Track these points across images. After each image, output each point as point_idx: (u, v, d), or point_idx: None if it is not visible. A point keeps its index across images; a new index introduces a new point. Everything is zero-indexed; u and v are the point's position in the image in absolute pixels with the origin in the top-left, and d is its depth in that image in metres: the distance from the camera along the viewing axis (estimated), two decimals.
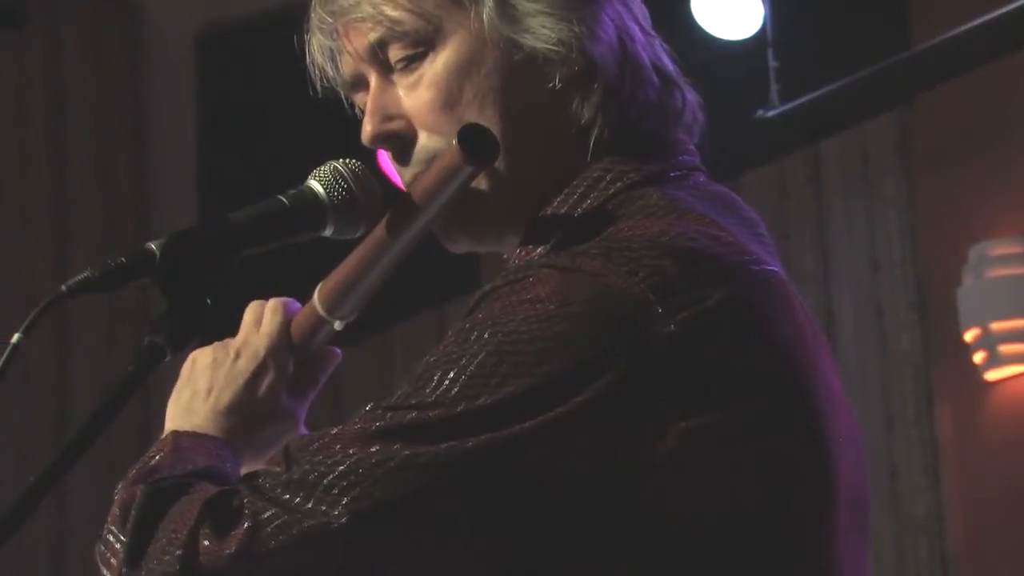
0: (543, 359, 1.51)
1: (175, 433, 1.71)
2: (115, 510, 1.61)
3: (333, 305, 1.74)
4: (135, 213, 6.42)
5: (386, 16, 1.70)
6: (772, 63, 5.17)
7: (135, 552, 1.56)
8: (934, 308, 5.35)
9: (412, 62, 1.71)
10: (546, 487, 1.50)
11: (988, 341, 5.15)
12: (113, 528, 1.60)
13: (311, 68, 1.77)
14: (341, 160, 1.73)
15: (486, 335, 1.53)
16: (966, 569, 5.22)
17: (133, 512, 1.58)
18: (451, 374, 1.52)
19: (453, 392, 1.51)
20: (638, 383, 1.50)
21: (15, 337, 1.58)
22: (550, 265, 1.56)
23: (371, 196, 1.72)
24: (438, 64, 1.70)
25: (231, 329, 1.79)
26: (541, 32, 1.69)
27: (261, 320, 1.77)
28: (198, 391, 1.74)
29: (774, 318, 1.58)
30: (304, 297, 1.78)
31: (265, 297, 1.80)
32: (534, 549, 1.51)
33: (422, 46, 1.70)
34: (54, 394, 6.13)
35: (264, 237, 1.69)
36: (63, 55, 6.35)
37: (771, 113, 5.19)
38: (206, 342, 1.77)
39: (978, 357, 5.17)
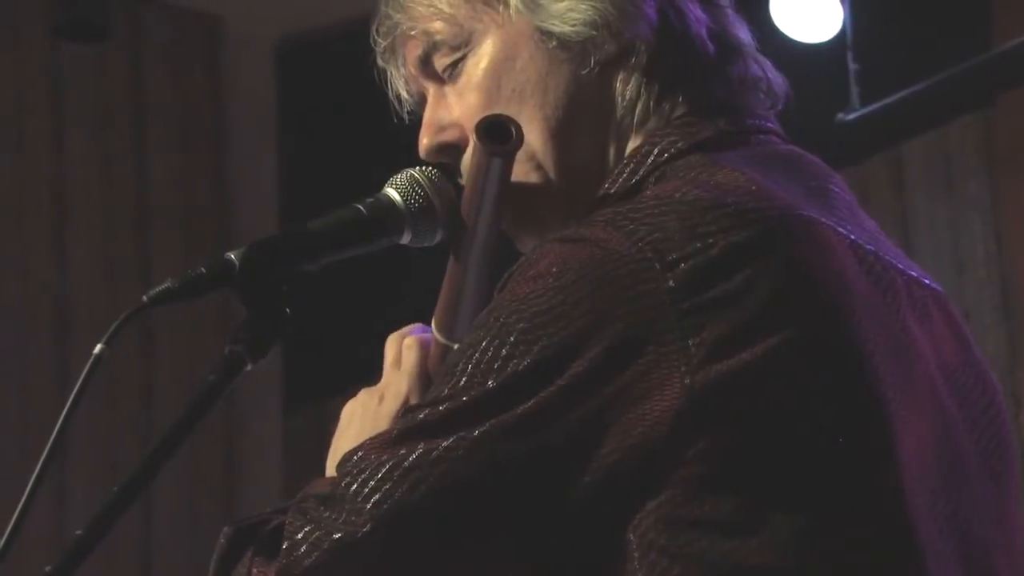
0: (540, 334, 1.49)
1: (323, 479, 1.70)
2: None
3: (450, 330, 1.75)
4: (216, 222, 6.46)
5: (423, 29, 1.72)
6: (852, 66, 5.14)
7: None
8: (1020, 311, 5.30)
9: (455, 68, 1.72)
10: (560, 461, 1.48)
11: None
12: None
13: (392, 99, 1.79)
14: (418, 168, 1.74)
15: (491, 319, 1.53)
16: None
17: (214, 555, 1.60)
18: (460, 365, 1.52)
19: (462, 382, 1.51)
20: (639, 344, 1.47)
21: (98, 347, 1.60)
22: (556, 239, 1.55)
23: (447, 203, 1.73)
24: (477, 65, 1.70)
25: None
26: (568, 16, 1.67)
27: (400, 359, 1.77)
28: (348, 437, 1.73)
29: (796, 262, 1.52)
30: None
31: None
32: (557, 527, 1.49)
33: (460, 50, 1.71)
34: (138, 402, 6.18)
35: (342, 245, 1.70)
36: (144, 67, 6.40)
37: (852, 116, 5.15)
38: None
39: None
